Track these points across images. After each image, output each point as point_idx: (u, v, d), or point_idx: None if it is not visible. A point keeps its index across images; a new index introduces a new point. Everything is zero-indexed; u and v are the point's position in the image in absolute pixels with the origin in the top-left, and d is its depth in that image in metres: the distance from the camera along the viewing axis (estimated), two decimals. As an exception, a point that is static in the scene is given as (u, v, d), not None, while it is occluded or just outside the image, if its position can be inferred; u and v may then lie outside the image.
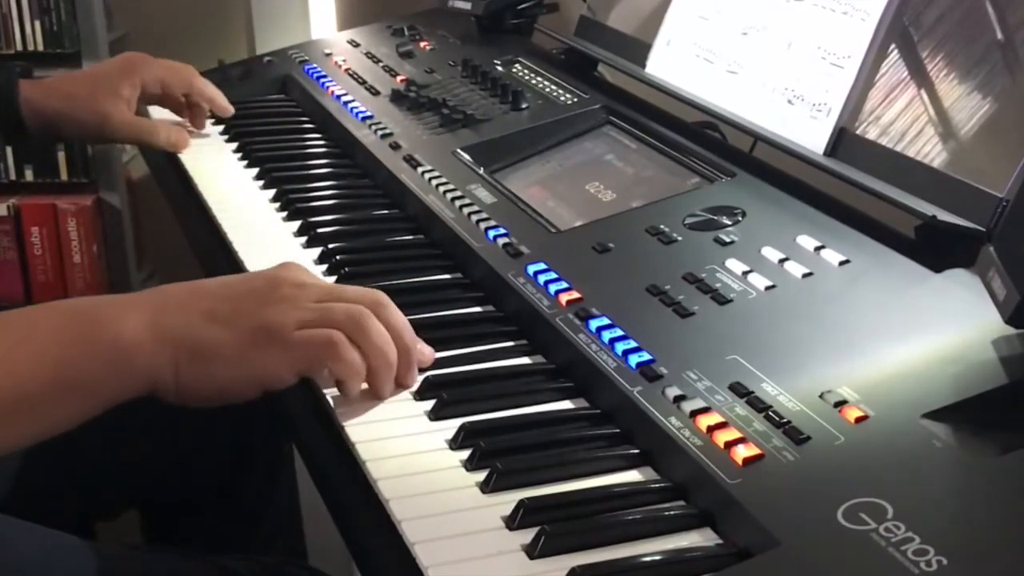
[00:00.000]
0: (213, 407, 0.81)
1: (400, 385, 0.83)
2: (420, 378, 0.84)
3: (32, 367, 0.75)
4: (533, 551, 0.66)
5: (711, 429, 0.72)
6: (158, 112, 1.44)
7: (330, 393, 0.83)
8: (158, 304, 0.80)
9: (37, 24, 2.29)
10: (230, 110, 1.42)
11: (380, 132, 1.31)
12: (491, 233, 1.03)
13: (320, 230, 1.11)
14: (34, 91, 1.32)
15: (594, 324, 0.86)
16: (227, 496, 1.22)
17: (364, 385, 0.82)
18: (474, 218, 1.06)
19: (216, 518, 1.23)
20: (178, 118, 1.43)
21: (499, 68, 1.43)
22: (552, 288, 0.92)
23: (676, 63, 1.24)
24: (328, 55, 1.60)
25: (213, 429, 1.14)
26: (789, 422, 0.72)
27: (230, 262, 1.09)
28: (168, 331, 0.78)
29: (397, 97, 1.39)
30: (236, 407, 0.81)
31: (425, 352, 0.86)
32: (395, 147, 1.27)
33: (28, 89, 1.32)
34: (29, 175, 2.38)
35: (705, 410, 0.74)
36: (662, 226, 0.98)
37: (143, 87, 1.36)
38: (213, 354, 0.78)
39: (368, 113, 1.37)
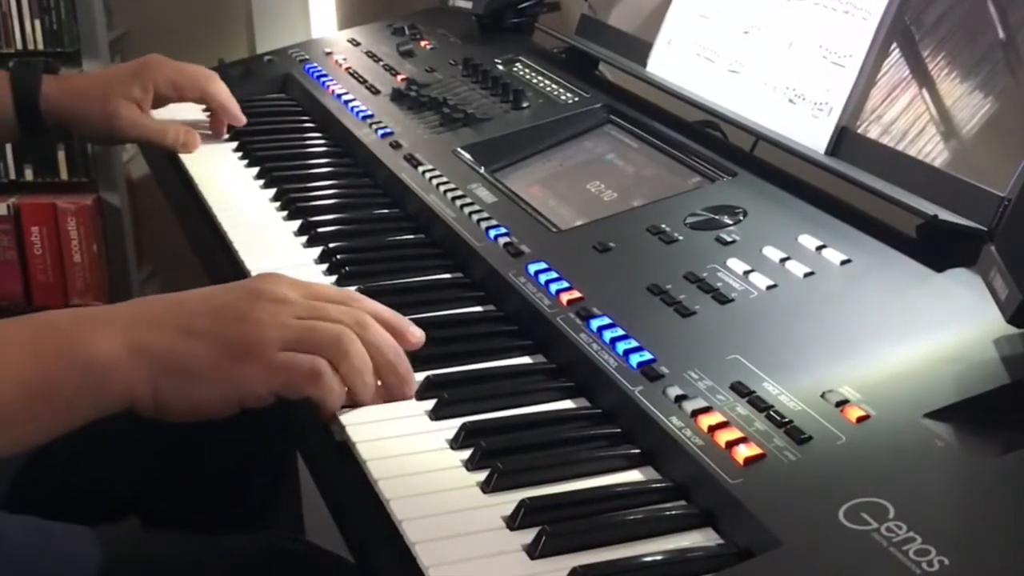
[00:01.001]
0: (192, 422, 0.80)
1: (391, 399, 0.82)
2: (421, 378, 0.84)
3: (4, 383, 0.75)
4: (534, 551, 0.65)
5: (712, 429, 0.72)
6: (165, 112, 1.44)
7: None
8: (135, 319, 0.79)
9: (37, 23, 2.29)
10: (241, 120, 1.39)
11: (380, 131, 1.30)
12: (492, 232, 1.03)
13: (320, 229, 1.11)
14: (52, 88, 1.32)
15: (595, 324, 0.86)
16: (231, 500, 1.22)
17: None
18: (475, 217, 1.06)
19: (220, 520, 1.22)
20: (189, 117, 1.43)
21: (500, 67, 1.43)
22: (553, 287, 0.92)
23: (677, 62, 1.24)
24: (328, 54, 1.60)
25: (217, 433, 1.14)
26: (790, 422, 0.72)
27: (230, 262, 1.09)
28: (145, 347, 0.77)
29: (398, 96, 1.38)
30: (243, 413, 0.80)
31: (412, 339, 0.85)
32: (395, 146, 1.26)
33: (48, 86, 1.32)
34: (29, 174, 2.38)
35: (706, 410, 0.74)
36: (663, 225, 0.98)
37: (156, 89, 1.35)
38: (190, 369, 0.77)
39: (368, 112, 1.37)
